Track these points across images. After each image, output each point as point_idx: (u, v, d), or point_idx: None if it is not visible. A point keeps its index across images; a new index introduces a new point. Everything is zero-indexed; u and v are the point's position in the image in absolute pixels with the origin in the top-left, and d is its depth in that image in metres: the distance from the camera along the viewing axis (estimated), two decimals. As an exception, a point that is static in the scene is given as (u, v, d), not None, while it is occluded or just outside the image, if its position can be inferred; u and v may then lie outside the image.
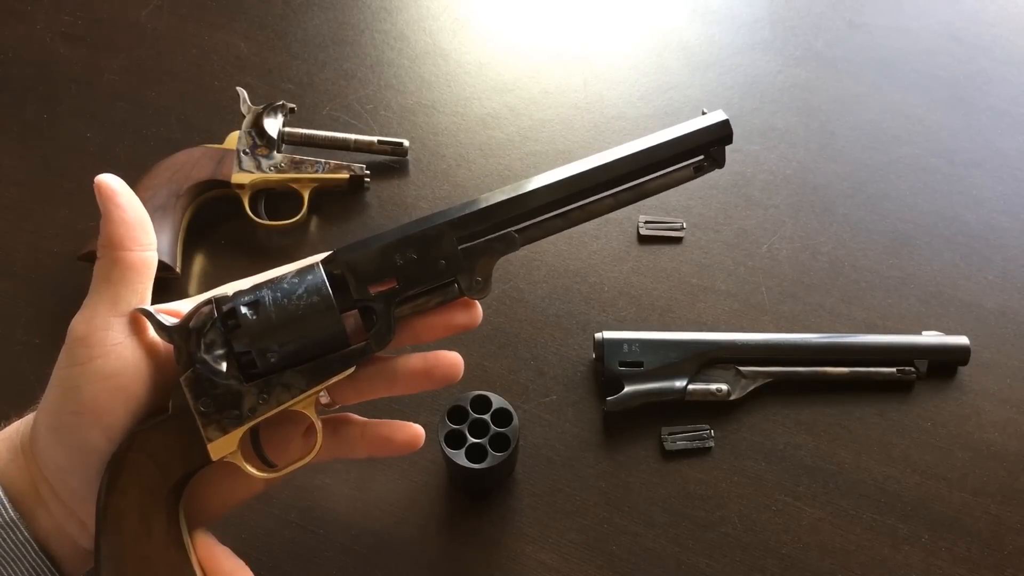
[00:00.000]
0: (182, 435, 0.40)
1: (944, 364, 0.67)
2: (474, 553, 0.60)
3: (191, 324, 0.40)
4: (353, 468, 0.63)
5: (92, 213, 0.73)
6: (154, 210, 0.68)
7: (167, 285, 0.70)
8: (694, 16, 0.88)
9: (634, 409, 0.64)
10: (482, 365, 0.67)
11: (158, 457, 0.40)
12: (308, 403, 0.41)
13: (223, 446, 0.40)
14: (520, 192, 0.43)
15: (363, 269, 0.41)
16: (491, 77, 0.83)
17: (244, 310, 0.39)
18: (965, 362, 0.67)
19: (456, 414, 0.58)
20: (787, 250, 0.73)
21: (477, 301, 0.44)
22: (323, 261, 0.41)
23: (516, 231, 0.43)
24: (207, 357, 0.39)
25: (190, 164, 0.71)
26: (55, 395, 0.41)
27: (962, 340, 0.67)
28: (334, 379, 0.41)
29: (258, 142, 0.72)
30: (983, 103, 0.82)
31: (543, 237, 0.44)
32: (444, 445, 0.57)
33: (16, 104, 0.80)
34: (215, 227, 0.73)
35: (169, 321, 0.40)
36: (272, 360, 0.40)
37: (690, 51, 0.85)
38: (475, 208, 0.42)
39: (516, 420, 0.58)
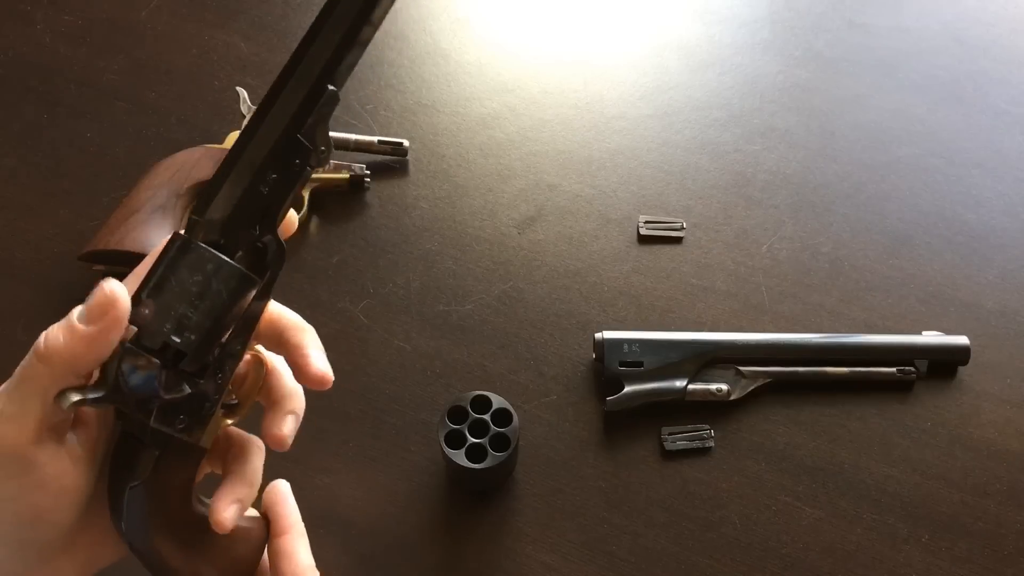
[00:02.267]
0: (177, 456, 0.40)
1: (944, 364, 0.67)
2: (474, 553, 0.60)
3: (131, 380, 0.37)
4: (353, 468, 0.63)
5: (92, 213, 0.73)
6: (154, 210, 0.68)
7: (167, 285, 0.70)
8: (694, 16, 0.88)
9: (634, 409, 0.64)
10: (482, 365, 0.67)
11: (165, 488, 0.40)
12: (249, 348, 0.41)
13: (209, 434, 0.40)
14: (304, 47, 0.39)
15: (236, 221, 0.39)
16: (491, 77, 0.83)
17: (176, 339, 0.37)
18: (965, 362, 0.67)
19: (456, 414, 0.58)
20: (787, 250, 0.73)
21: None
22: (188, 229, 0.38)
23: (328, 85, 0.40)
24: (169, 396, 0.38)
25: (190, 164, 0.71)
26: None
27: (962, 340, 0.67)
28: (259, 321, 0.41)
29: (258, 142, 0.72)
30: (983, 103, 0.82)
31: (354, 65, 0.41)
32: (444, 445, 0.57)
33: (16, 104, 0.80)
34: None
35: (94, 392, 0.37)
36: (217, 352, 0.39)
37: (690, 51, 0.85)
38: (297, 94, 0.39)
39: (516, 420, 0.58)
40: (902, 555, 0.60)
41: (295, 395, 0.43)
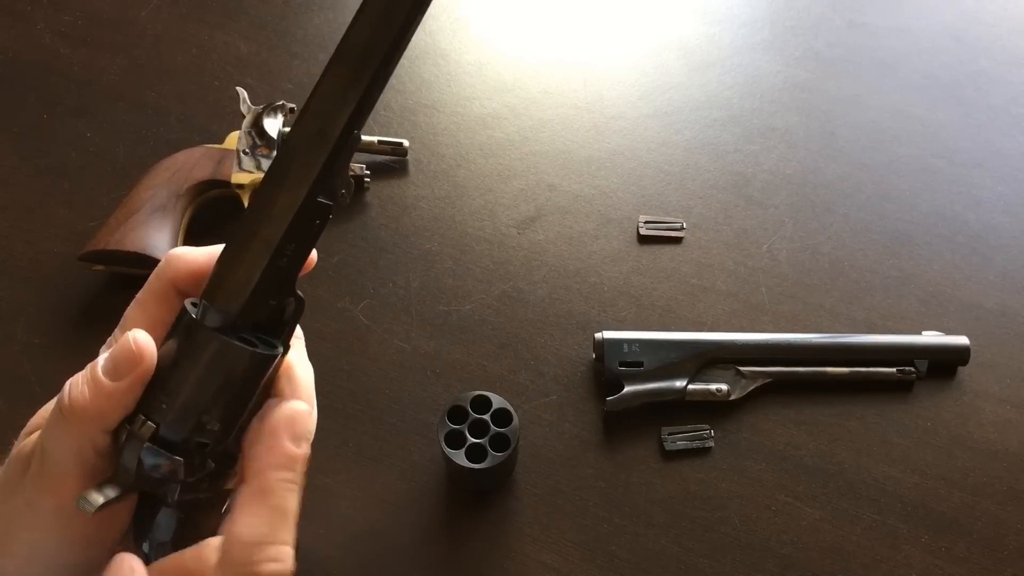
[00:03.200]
0: (204, 509, 0.39)
1: (944, 364, 0.67)
2: (474, 553, 0.60)
3: (155, 475, 0.35)
4: (353, 468, 0.63)
5: (92, 213, 0.73)
6: (154, 210, 0.68)
7: (167, 285, 0.70)
8: (694, 16, 0.88)
9: (634, 409, 0.64)
10: (482, 365, 0.67)
11: (197, 534, 0.38)
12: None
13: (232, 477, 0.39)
14: (321, 101, 0.35)
15: (256, 301, 0.36)
16: (491, 77, 0.83)
17: (200, 438, 0.35)
18: (965, 362, 0.67)
19: (456, 414, 0.58)
20: (787, 250, 0.73)
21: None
22: (204, 317, 0.35)
23: (355, 130, 0.36)
24: (194, 479, 0.36)
25: (190, 164, 0.71)
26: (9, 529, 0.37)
27: (962, 340, 0.67)
28: (274, 372, 0.38)
29: (258, 142, 0.72)
30: (983, 103, 0.82)
31: (373, 107, 0.37)
32: (444, 445, 0.57)
33: (16, 104, 0.80)
34: (215, 227, 0.73)
35: (112, 490, 0.35)
36: (241, 425, 0.37)
37: (690, 51, 0.85)
38: (318, 156, 0.35)
39: (516, 420, 0.58)
40: (902, 555, 0.60)
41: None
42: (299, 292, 0.37)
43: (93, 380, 0.34)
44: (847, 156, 0.79)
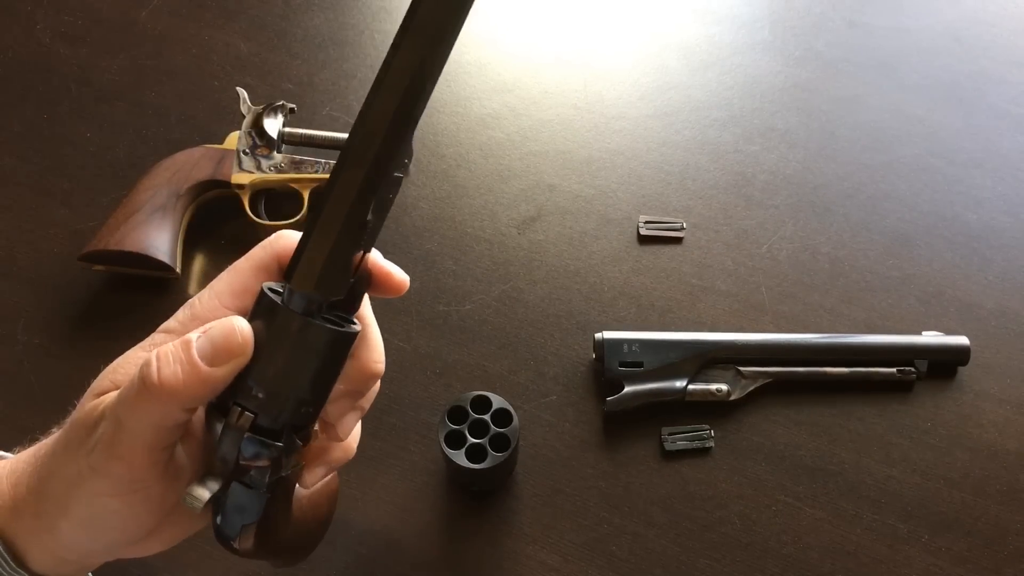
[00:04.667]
0: (286, 484, 0.41)
1: (944, 364, 0.67)
2: (474, 553, 0.60)
3: (256, 462, 0.36)
4: (353, 469, 0.63)
5: (92, 213, 0.73)
6: (154, 210, 0.68)
7: (167, 285, 0.70)
8: (694, 16, 0.88)
9: (634, 409, 0.64)
10: (482, 365, 0.67)
11: (280, 508, 0.41)
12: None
13: (297, 460, 0.40)
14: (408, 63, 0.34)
15: (339, 283, 0.36)
16: (491, 77, 0.83)
17: (296, 421, 0.36)
18: (965, 362, 0.67)
19: (456, 414, 0.58)
20: (787, 250, 0.73)
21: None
22: (288, 301, 0.36)
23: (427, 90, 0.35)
24: (289, 459, 0.37)
25: (190, 164, 0.71)
26: (81, 496, 0.37)
27: (962, 340, 0.67)
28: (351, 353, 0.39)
29: (258, 142, 0.72)
30: (983, 103, 0.82)
31: (440, 74, 0.35)
32: (444, 445, 0.57)
33: (16, 104, 0.80)
34: (215, 227, 0.73)
35: (213, 485, 0.37)
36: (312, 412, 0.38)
37: (690, 51, 0.85)
38: (399, 131, 0.34)
39: (516, 420, 0.58)
40: (902, 555, 0.60)
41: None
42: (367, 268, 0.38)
43: (189, 362, 0.34)
44: (847, 156, 0.79)
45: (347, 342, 0.37)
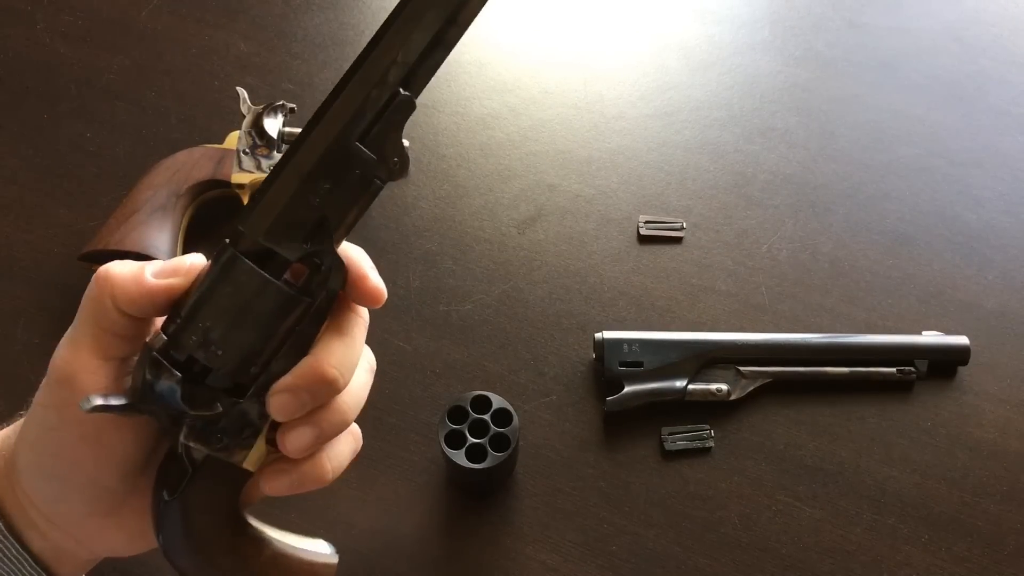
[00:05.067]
0: (216, 475, 0.38)
1: (944, 364, 0.67)
2: (474, 553, 0.60)
3: (155, 390, 0.36)
4: (353, 468, 0.62)
5: (92, 213, 0.73)
6: (154, 210, 0.68)
7: (167, 285, 0.70)
8: (694, 16, 0.88)
9: (634, 409, 0.64)
10: (482, 365, 0.67)
11: (205, 506, 0.39)
12: None
13: (254, 457, 0.39)
14: (379, 45, 0.35)
15: (281, 229, 0.36)
16: (491, 77, 0.83)
17: (201, 354, 0.35)
18: (965, 362, 0.67)
19: (456, 414, 0.58)
20: (787, 250, 0.73)
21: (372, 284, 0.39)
22: (231, 241, 0.36)
23: (401, 88, 0.36)
24: (196, 412, 0.36)
25: (190, 164, 0.71)
26: (35, 432, 0.39)
27: (962, 340, 0.67)
28: (316, 341, 0.38)
29: (258, 142, 0.72)
30: (983, 103, 0.82)
31: (431, 77, 0.37)
32: (444, 445, 0.57)
33: (16, 104, 0.80)
34: (215, 227, 0.73)
35: (117, 399, 0.36)
36: (256, 371, 0.37)
37: (690, 51, 0.85)
38: (357, 96, 0.35)
39: (516, 420, 0.58)
40: (902, 555, 0.60)
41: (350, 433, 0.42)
42: (342, 259, 0.38)
43: (137, 267, 0.36)
44: (847, 156, 0.79)
45: (270, 295, 0.35)
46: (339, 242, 0.38)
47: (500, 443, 0.57)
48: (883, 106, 0.82)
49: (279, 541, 0.43)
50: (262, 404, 0.38)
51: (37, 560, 0.40)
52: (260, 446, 0.39)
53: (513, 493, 0.62)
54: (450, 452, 0.57)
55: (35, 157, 0.77)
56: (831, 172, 0.78)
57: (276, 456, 0.40)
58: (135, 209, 0.68)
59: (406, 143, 0.37)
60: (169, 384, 0.36)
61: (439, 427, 0.58)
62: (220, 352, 0.36)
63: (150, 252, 0.67)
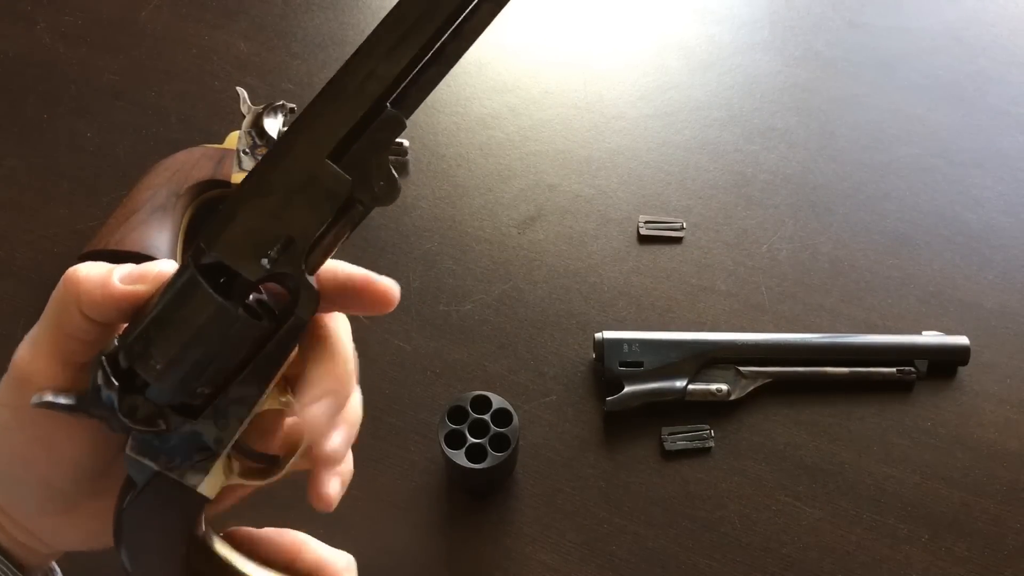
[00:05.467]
0: (167, 495, 0.37)
1: (944, 364, 0.67)
2: (474, 553, 0.60)
3: (100, 395, 0.35)
4: (354, 468, 0.63)
5: (92, 213, 0.73)
6: (154, 210, 0.68)
7: (167, 285, 0.70)
8: (694, 16, 0.88)
9: (634, 409, 0.64)
10: (482, 365, 0.67)
11: (156, 524, 0.37)
12: (272, 399, 0.38)
13: (212, 483, 0.37)
14: (366, 55, 0.32)
15: (241, 247, 0.33)
16: (491, 77, 0.83)
17: (139, 369, 0.34)
18: (965, 362, 0.67)
19: (456, 414, 0.58)
20: (787, 250, 0.73)
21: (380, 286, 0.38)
22: (192, 255, 0.34)
23: (391, 104, 0.33)
24: (138, 425, 0.35)
25: (190, 164, 0.71)
26: None
27: (962, 340, 0.67)
28: (282, 368, 0.36)
29: (258, 142, 0.72)
30: (983, 103, 0.82)
31: (426, 95, 0.34)
32: (444, 445, 0.57)
33: (16, 104, 0.80)
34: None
35: (67, 399, 0.35)
36: (205, 392, 0.35)
37: (690, 51, 0.85)
38: (320, 108, 0.32)
39: (516, 420, 0.58)
40: (902, 555, 0.60)
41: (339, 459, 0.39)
42: (313, 284, 0.35)
43: (104, 270, 0.36)
44: (847, 156, 0.79)
45: (215, 312, 0.33)
46: (315, 267, 0.35)
47: (500, 443, 0.57)
48: (883, 106, 0.82)
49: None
50: (221, 428, 0.36)
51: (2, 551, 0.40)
52: (217, 472, 0.37)
53: (513, 493, 0.62)
54: (450, 452, 0.57)
55: (35, 157, 0.77)
56: (831, 172, 0.78)
57: (239, 485, 0.40)
58: (135, 209, 0.68)
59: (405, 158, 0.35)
60: (108, 392, 0.34)
61: (439, 427, 0.58)
62: (158, 366, 0.34)
63: (150, 252, 0.66)
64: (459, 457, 0.57)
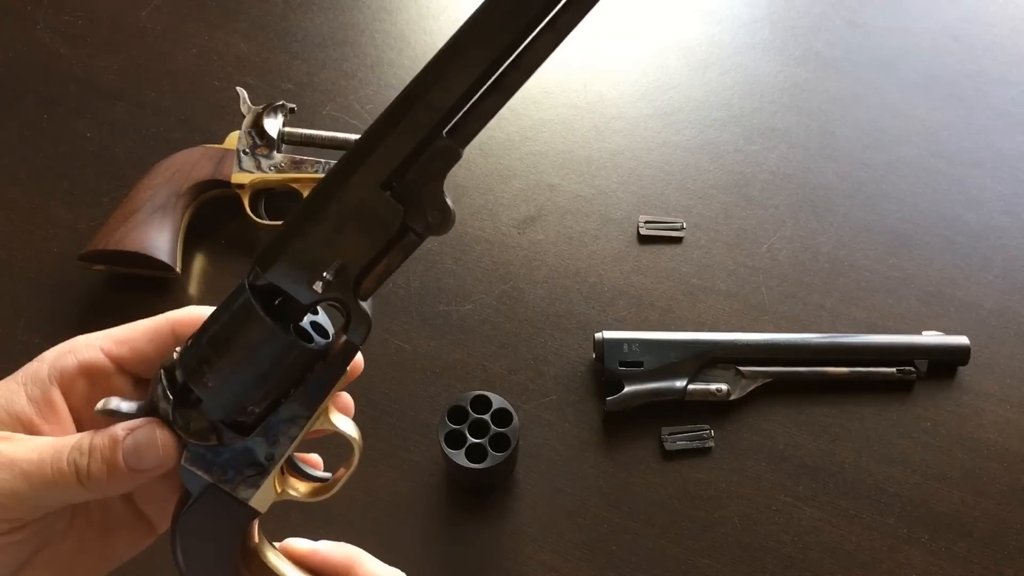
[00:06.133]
0: (220, 506, 0.38)
1: (944, 364, 0.67)
2: (474, 553, 0.60)
3: (158, 408, 0.36)
4: (353, 468, 0.63)
5: (92, 213, 0.73)
6: (154, 210, 0.68)
7: (167, 285, 0.70)
8: (694, 16, 0.88)
9: (634, 409, 0.64)
10: (482, 365, 0.67)
11: (209, 534, 0.38)
12: (323, 419, 0.39)
13: (263, 497, 0.38)
14: (421, 84, 0.32)
15: (294, 272, 0.34)
16: (491, 77, 0.83)
17: (193, 385, 0.35)
18: (965, 362, 0.67)
19: (456, 414, 0.58)
20: (787, 250, 0.73)
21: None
22: (249, 279, 0.35)
23: (446, 134, 0.33)
24: (192, 439, 0.36)
25: (190, 164, 0.71)
26: None
27: (962, 340, 0.67)
28: (333, 391, 0.38)
29: (258, 142, 0.72)
30: (983, 103, 0.82)
31: (482, 126, 0.34)
32: (444, 445, 0.57)
33: (16, 104, 0.80)
34: (215, 227, 0.73)
35: (129, 407, 0.36)
36: (256, 411, 0.36)
37: (690, 51, 0.85)
38: (374, 138, 0.32)
39: (516, 420, 0.58)
40: (902, 555, 0.60)
41: None
42: (367, 309, 0.35)
43: (111, 464, 0.35)
44: (847, 156, 0.79)
45: (264, 333, 0.34)
46: (369, 293, 0.35)
47: (500, 443, 0.57)
48: (883, 106, 0.82)
49: None
50: (271, 445, 0.37)
51: None
52: (269, 487, 0.38)
53: (513, 493, 0.62)
54: (450, 452, 0.57)
55: (35, 157, 0.77)
56: (831, 172, 0.78)
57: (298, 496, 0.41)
58: (135, 209, 0.68)
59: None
60: (165, 406, 0.36)
61: (439, 427, 0.58)
62: (211, 384, 0.35)
63: (150, 252, 0.67)
64: (459, 457, 0.57)
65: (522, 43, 0.31)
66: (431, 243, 0.73)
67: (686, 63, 0.84)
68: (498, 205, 0.75)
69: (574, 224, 0.74)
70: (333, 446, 0.42)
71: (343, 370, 0.37)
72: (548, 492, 0.62)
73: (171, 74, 0.82)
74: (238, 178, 0.71)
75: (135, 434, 0.36)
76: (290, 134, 0.73)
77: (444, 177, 0.33)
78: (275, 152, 0.72)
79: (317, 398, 0.37)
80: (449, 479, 0.62)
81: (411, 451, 0.63)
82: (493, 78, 0.32)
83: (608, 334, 0.65)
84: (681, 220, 0.74)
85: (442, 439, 0.57)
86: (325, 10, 0.87)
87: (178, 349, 0.36)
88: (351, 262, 0.34)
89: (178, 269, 0.69)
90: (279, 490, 0.39)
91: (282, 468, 0.39)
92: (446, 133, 0.33)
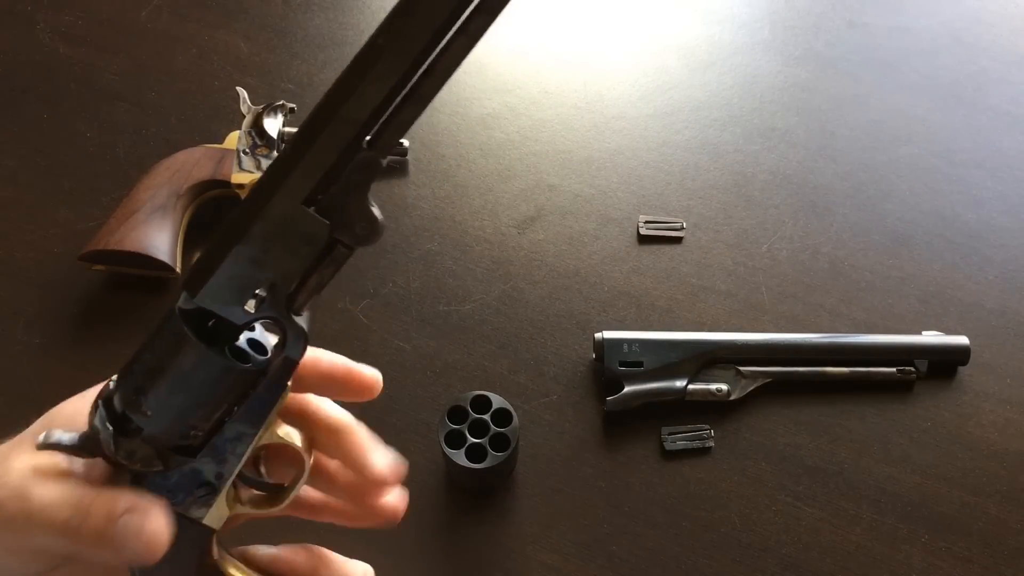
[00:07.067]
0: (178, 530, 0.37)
1: (944, 364, 0.67)
2: (474, 553, 0.60)
3: (99, 439, 0.35)
4: (353, 468, 0.63)
5: (92, 213, 0.73)
6: (154, 210, 0.68)
7: (167, 285, 0.70)
8: (694, 16, 0.88)
9: (634, 409, 0.64)
10: (482, 365, 0.67)
11: (167, 555, 0.37)
12: (270, 434, 0.38)
13: (216, 515, 0.38)
14: (335, 97, 0.31)
15: (224, 294, 0.34)
16: (491, 77, 0.83)
17: (131, 414, 0.34)
18: (965, 362, 0.67)
19: (456, 414, 0.58)
20: (787, 250, 0.73)
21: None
22: (179, 303, 0.34)
23: (367, 145, 0.32)
24: (136, 467, 0.35)
25: (190, 164, 0.71)
26: None
27: (962, 340, 0.67)
28: (277, 407, 0.37)
29: (258, 142, 0.72)
30: (983, 103, 0.82)
31: (402, 134, 0.32)
32: (444, 445, 0.57)
33: (16, 104, 0.80)
34: (215, 227, 0.73)
35: (71, 438, 0.35)
36: (200, 434, 0.35)
37: (690, 51, 0.85)
38: (292, 155, 0.32)
39: (516, 420, 0.58)
40: (902, 555, 0.60)
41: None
42: (302, 324, 0.35)
43: (108, 515, 0.35)
44: (847, 156, 0.79)
45: (195, 355, 0.33)
46: (301, 307, 0.35)
47: (500, 443, 0.57)
48: (883, 106, 0.82)
49: None
50: (220, 464, 0.37)
51: None
52: (222, 503, 0.38)
53: (513, 493, 0.62)
54: (450, 452, 0.57)
55: (35, 157, 0.77)
56: (831, 172, 0.78)
57: (246, 513, 0.40)
58: (135, 209, 0.68)
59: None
60: (106, 436, 0.35)
61: (439, 427, 0.58)
62: (149, 412, 0.34)
63: (150, 252, 0.67)
64: (459, 457, 0.57)
65: (435, 49, 0.31)
66: (431, 243, 0.73)
67: (686, 63, 0.84)
68: (498, 205, 0.75)
69: (574, 224, 0.74)
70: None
71: (285, 385, 0.37)
72: (548, 492, 0.62)
73: (171, 74, 0.82)
74: (238, 178, 0.71)
75: (129, 519, 0.35)
76: (290, 134, 0.73)
77: (369, 188, 0.32)
78: (275, 152, 0.72)
79: (262, 414, 0.37)
80: (449, 479, 0.62)
81: (411, 451, 0.63)
82: (408, 86, 0.31)
83: (608, 334, 0.65)
84: (681, 220, 0.74)
85: (442, 439, 0.57)
86: (325, 10, 0.87)
87: (114, 378, 0.35)
88: (281, 279, 0.34)
89: (178, 269, 0.69)
90: (232, 505, 0.39)
91: (234, 483, 0.38)
92: (367, 144, 0.32)
